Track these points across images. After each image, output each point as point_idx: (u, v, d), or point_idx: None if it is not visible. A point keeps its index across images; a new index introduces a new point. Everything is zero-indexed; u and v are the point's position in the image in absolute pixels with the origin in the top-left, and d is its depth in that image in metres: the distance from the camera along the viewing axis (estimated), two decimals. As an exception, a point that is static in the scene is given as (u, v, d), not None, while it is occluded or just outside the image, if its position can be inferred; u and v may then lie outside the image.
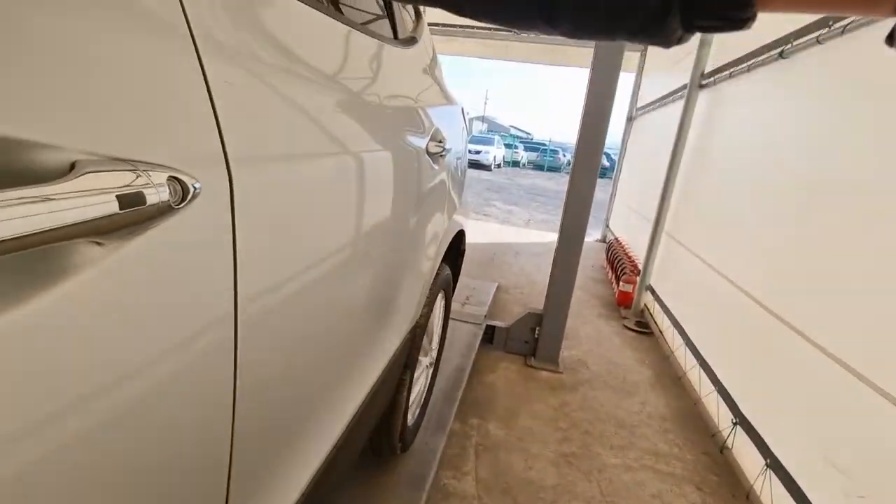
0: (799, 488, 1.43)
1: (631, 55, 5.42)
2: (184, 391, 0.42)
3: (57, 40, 0.29)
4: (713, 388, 2.09)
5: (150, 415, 0.39)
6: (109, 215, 0.30)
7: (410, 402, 1.43)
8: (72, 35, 0.30)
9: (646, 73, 5.42)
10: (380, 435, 1.32)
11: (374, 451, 1.42)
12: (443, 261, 1.50)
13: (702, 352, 2.32)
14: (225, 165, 0.44)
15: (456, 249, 1.75)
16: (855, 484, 1.24)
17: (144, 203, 0.32)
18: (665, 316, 2.90)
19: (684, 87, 3.10)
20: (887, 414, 1.16)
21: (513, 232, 6.10)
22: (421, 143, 1.10)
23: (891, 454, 1.16)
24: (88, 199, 0.28)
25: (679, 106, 3.13)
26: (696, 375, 2.31)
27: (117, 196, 0.30)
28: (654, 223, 3.21)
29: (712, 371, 2.16)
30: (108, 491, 0.36)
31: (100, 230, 0.30)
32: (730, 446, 1.87)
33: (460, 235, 1.72)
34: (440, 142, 1.24)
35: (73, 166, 0.29)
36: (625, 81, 2.81)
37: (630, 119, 5.69)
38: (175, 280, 0.39)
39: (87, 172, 0.29)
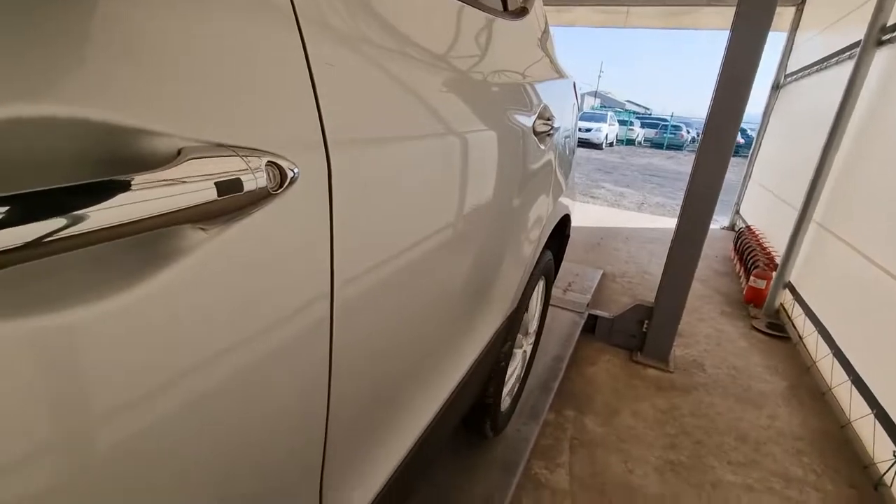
0: None
1: (783, 10, 4.61)
2: (281, 372, 0.44)
3: (162, 29, 0.30)
4: (870, 410, 1.75)
5: (249, 393, 0.41)
6: (210, 202, 0.30)
7: (504, 388, 1.40)
8: (176, 23, 0.31)
9: (801, 31, 4.57)
10: (472, 418, 1.32)
11: (468, 433, 1.42)
12: (545, 246, 1.43)
13: (856, 367, 1.94)
14: (324, 150, 0.43)
15: (560, 234, 1.66)
16: None
17: (242, 189, 0.33)
18: (808, 319, 2.49)
19: (856, 44, 2.54)
20: None
21: (623, 216, 5.68)
22: (527, 121, 1.04)
23: None
24: (191, 185, 0.29)
25: (845, 69, 2.59)
26: (845, 393, 1.95)
27: (215, 183, 0.31)
28: (801, 210, 2.73)
29: (868, 390, 1.80)
30: (210, 464, 0.39)
31: (203, 216, 0.31)
32: (888, 483, 1.55)
33: (565, 220, 1.62)
34: (548, 120, 1.15)
35: (179, 153, 0.29)
36: (772, 43, 2.38)
37: (776, 87, 4.88)
38: (273, 264, 0.40)
39: (191, 158, 0.29)
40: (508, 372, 1.41)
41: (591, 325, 2.44)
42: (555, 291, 2.61)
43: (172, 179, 0.28)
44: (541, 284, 1.56)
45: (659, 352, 2.29)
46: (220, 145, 0.32)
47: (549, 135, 1.19)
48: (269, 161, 0.36)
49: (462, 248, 0.80)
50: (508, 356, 1.27)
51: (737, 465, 1.68)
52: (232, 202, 0.32)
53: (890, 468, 1.55)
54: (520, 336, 1.46)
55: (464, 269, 0.83)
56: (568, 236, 1.76)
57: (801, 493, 1.58)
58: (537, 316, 1.67)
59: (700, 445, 1.76)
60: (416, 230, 0.64)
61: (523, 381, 1.70)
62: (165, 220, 0.28)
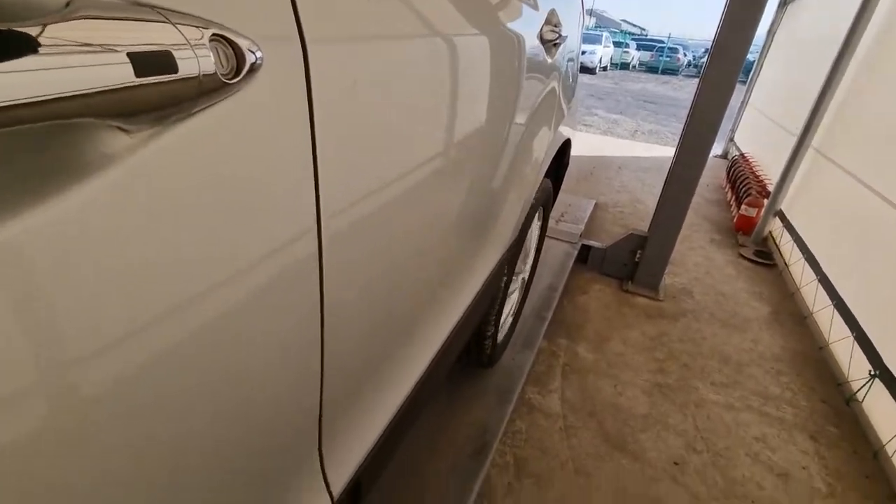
0: (952, 459, 1.22)
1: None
2: (262, 317, 0.38)
3: None
4: (849, 333, 1.81)
5: (231, 330, 0.35)
6: (127, 86, 0.21)
7: (501, 319, 1.40)
8: None
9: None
10: (470, 348, 1.32)
11: (463, 362, 1.44)
12: (545, 174, 1.35)
13: (840, 291, 1.99)
14: (299, 39, 0.34)
15: (559, 161, 1.58)
16: None
17: (175, 71, 0.23)
18: (796, 247, 2.51)
19: (880, -49, 2.33)
20: None
21: (616, 144, 5.54)
22: (534, 27, 0.92)
23: None
24: (89, 56, 0.20)
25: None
26: (826, 317, 2.01)
27: (130, 56, 0.21)
28: (800, 136, 2.66)
29: (851, 314, 1.85)
30: (202, 402, 0.35)
31: (118, 108, 0.22)
32: (860, 399, 1.64)
33: (566, 146, 1.53)
34: (556, 27, 1.03)
35: (67, 5, 0.20)
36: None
37: (783, 3, 4.58)
38: (238, 184, 0.32)
39: (84, 16, 0.20)
40: (507, 302, 1.39)
41: (584, 256, 2.43)
42: (549, 222, 2.57)
43: (55, 43, 0.18)
44: (539, 214, 1.51)
45: (650, 281, 2.31)
46: (136, 2, 0.22)
47: (556, 45, 1.07)
48: (216, 35, 0.25)
49: (463, 171, 0.73)
50: (509, 284, 1.25)
51: (720, 385, 1.76)
52: (163, 90, 0.23)
53: (864, 385, 1.63)
54: (518, 267, 1.43)
55: (464, 196, 0.77)
56: (567, 164, 1.68)
57: (777, 410, 1.66)
58: (534, 246, 1.63)
59: (686, 368, 1.83)
60: (415, 148, 0.56)
61: (519, 310, 1.70)
62: (52, 110, 0.19)
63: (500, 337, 1.50)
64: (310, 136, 0.37)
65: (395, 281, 0.60)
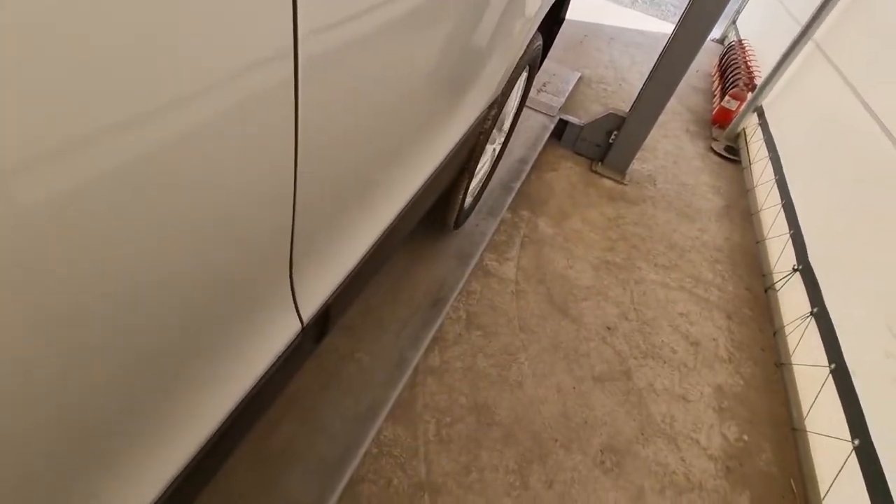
0: (835, 339, 1.43)
1: None
2: (240, 127, 0.34)
3: None
4: (787, 230, 1.95)
5: (202, 150, 0.32)
6: None
7: (473, 182, 1.38)
8: None
9: None
10: (437, 210, 1.32)
11: (429, 223, 1.45)
12: (537, 29, 1.22)
13: (791, 192, 2.08)
14: None
15: (555, 15, 1.42)
16: (902, 351, 1.21)
17: None
18: (764, 146, 2.54)
19: None
20: None
21: (613, 11, 5.06)
22: None
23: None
24: None
25: None
26: (771, 215, 2.14)
27: None
28: (805, 25, 2.51)
29: (794, 213, 1.97)
30: (175, 222, 0.33)
31: None
32: (777, 288, 1.84)
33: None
34: None
35: None
36: None
37: None
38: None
39: None
40: (478, 166, 1.37)
41: (560, 131, 2.37)
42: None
43: None
44: (524, 75, 1.40)
45: (619, 164, 2.32)
46: None
47: None
48: None
49: (450, 12, 0.64)
50: (483, 146, 1.20)
51: (661, 267, 1.90)
52: None
53: (784, 277, 1.82)
54: (494, 131, 1.37)
55: (448, 40, 0.68)
56: (563, 19, 1.52)
57: (705, 292, 1.85)
58: (513, 111, 1.55)
59: (635, 250, 1.95)
60: None
61: (488, 178, 1.68)
62: None
63: (468, 201, 1.50)
64: None
65: (372, 119, 0.56)
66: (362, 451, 0.99)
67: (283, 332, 0.52)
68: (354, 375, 1.10)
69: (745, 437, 1.39)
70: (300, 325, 0.54)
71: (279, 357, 0.52)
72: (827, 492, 1.22)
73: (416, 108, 0.68)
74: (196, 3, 0.28)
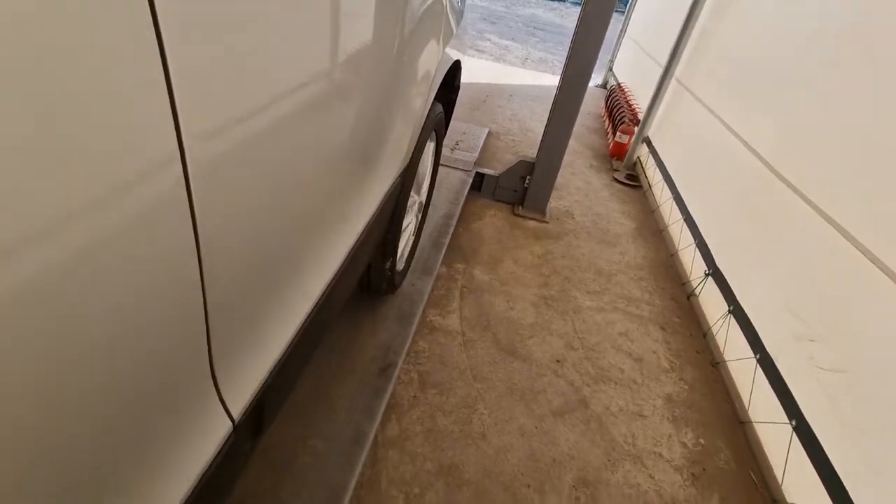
0: (754, 331, 1.57)
1: None
2: (134, 235, 0.35)
3: None
4: (693, 241, 2.15)
5: (99, 258, 0.32)
6: None
7: (399, 246, 1.42)
8: None
9: None
10: (369, 275, 1.33)
11: (365, 290, 1.45)
12: (435, 98, 1.33)
13: (689, 207, 2.33)
14: None
15: (450, 85, 1.56)
16: (807, 329, 1.35)
17: None
18: (658, 170, 2.85)
19: None
20: (864, 274, 1.19)
21: (508, 72, 5.59)
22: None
23: (849, 306, 1.23)
24: None
25: (725, -86, 2.57)
26: (677, 230, 2.36)
27: None
28: (665, 67, 2.92)
29: (695, 225, 2.20)
30: (77, 337, 0.32)
31: None
32: (697, 294, 2.00)
33: (455, 69, 1.51)
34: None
35: None
36: None
37: (658, -67, 4.77)
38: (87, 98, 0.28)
39: None
40: (404, 229, 1.41)
41: (479, 183, 2.51)
42: (444, 150, 2.58)
43: None
44: (432, 140, 1.51)
45: (538, 204, 2.48)
46: None
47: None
48: None
49: (344, 95, 0.69)
50: (403, 211, 1.25)
51: (593, 293, 2.01)
52: None
53: (700, 283, 1.99)
54: (413, 194, 1.43)
55: (347, 122, 0.73)
56: (458, 87, 1.67)
57: (637, 309, 1.97)
58: (429, 173, 1.64)
59: (567, 281, 2.05)
60: (290, 68, 0.52)
61: (417, 237, 1.73)
62: None
63: (401, 265, 1.53)
64: (159, 54, 0.33)
65: (276, 208, 0.57)
66: (329, 547, 0.92)
67: (213, 433, 0.49)
68: (308, 465, 1.04)
69: (702, 441, 1.45)
70: (231, 423, 0.52)
71: (213, 460, 0.49)
72: (783, 475, 1.28)
73: (323, 189, 0.71)
74: (76, 114, 0.29)
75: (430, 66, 1.14)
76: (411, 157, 1.18)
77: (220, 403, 0.50)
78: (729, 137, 2.09)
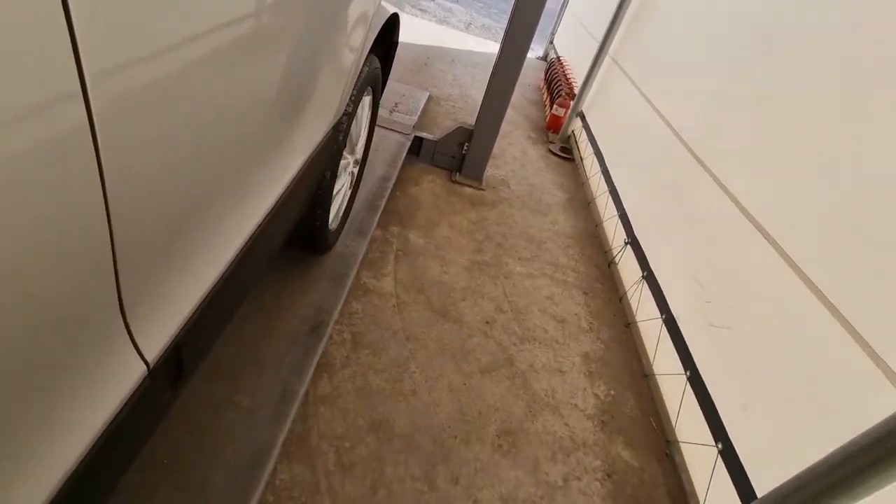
0: (662, 293, 1.73)
1: None
2: (34, 170, 0.32)
3: None
4: (616, 213, 2.30)
5: None
6: None
7: (332, 205, 1.39)
8: None
9: None
10: (301, 236, 1.30)
11: (297, 249, 1.41)
12: (371, 51, 1.29)
13: (614, 180, 2.47)
14: None
15: (387, 40, 1.51)
16: (706, 293, 1.52)
17: None
18: (589, 144, 2.97)
19: None
20: (757, 247, 1.35)
21: (450, 36, 5.49)
22: None
23: (737, 270, 1.40)
24: None
25: None
26: (604, 201, 2.50)
27: None
28: (601, 43, 3.01)
29: (619, 198, 2.34)
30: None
31: None
32: (617, 262, 2.15)
33: (393, 21, 1.46)
34: None
35: None
36: None
37: None
38: None
39: None
40: (337, 188, 1.38)
41: (417, 147, 2.49)
42: (382, 112, 2.51)
43: None
44: (368, 96, 1.46)
45: (475, 172, 2.52)
46: None
47: None
48: None
49: (265, 37, 0.65)
50: (336, 167, 1.22)
51: (524, 259, 2.10)
52: None
53: (620, 252, 2.14)
54: (347, 153, 1.39)
55: (268, 64, 0.69)
56: (396, 44, 1.62)
57: (564, 275, 2.09)
58: (365, 132, 1.60)
59: (500, 247, 2.12)
60: (198, 9, 0.48)
61: (352, 199, 1.70)
62: None
63: (334, 225, 1.50)
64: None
65: (191, 151, 0.54)
66: (254, 502, 0.92)
67: (126, 374, 0.47)
68: (234, 421, 1.02)
69: (612, 392, 1.60)
70: (146, 367, 0.50)
71: (127, 401, 0.47)
72: (676, 420, 1.45)
73: (240, 134, 0.67)
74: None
75: (364, 15, 1.09)
76: (344, 111, 1.14)
77: (132, 345, 0.48)
78: (653, 116, 2.23)
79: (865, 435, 0.65)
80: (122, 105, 0.41)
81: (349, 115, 1.18)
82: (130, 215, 0.45)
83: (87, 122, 0.37)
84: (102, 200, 0.40)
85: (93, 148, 0.38)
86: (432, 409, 1.36)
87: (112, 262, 0.43)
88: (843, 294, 1.05)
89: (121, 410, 0.46)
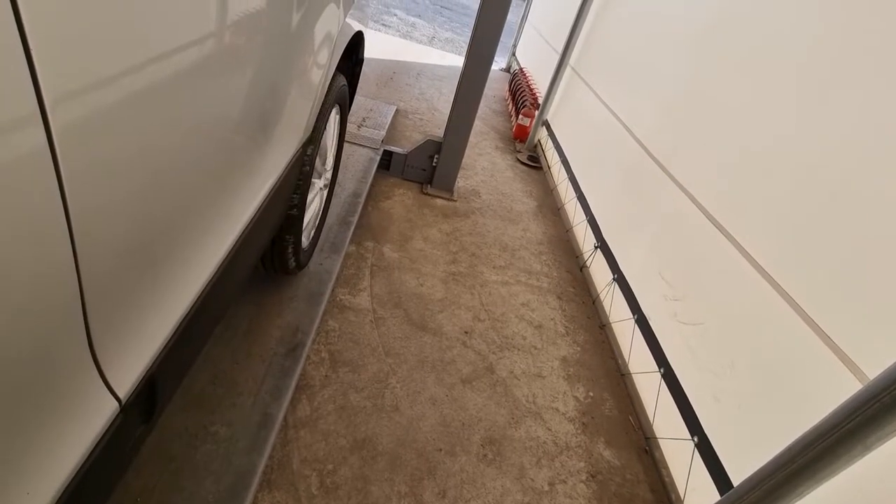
0: (633, 294, 1.78)
1: None
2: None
3: None
4: (584, 218, 2.36)
5: None
6: None
7: (304, 223, 1.38)
8: None
9: None
10: (273, 254, 1.28)
11: (270, 270, 1.39)
12: (338, 69, 1.30)
13: (581, 186, 2.54)
14: None
15: (353, 58, 1.52)
16: (673, 291, 1.57)
17: None
18: (556, 152, 3.05)
19: None
20: (717, 244, 1.41)
21: (415, 50, 5.55)
22: None
23: (702, 269, 1.46)
24: None
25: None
26: (572, 207, 2.56)
27: None
28: (561, 54, 3.11)
29: (587, 203, 2.41)
30: None
31: None
32: (588, 265, 2.21)
33: (358, 39, 1.47)
34: None
35: None
36: None
37: (555, -76, 4.99)
38: None
39: None
40: (308, 205, 1.36)
41: (387, 161, 2.50)
42: (350, 127, 2.51)
43: None
44: (336, 113, 1.46)
45: (446, 183, 2.54)
46: None
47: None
48: None
49: (231, 59, 0.65)
50: (306, 186, 1.21)
51: (499, 268, 2.13)
52: None
53: (590, 256, 2.19)
54: (317, 171, 1.39)
55: (234, 88, 0.69)
56: (362, 61, 1.63)
57: (538, 281, 2.12)
58: (334, 148, 1.60)
59: (474, 257, 2.14)
60: (161, 31, 0.48)
61: (323, 216, 1.69)
62: None
63: (306, 243, 1.49)
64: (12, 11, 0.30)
65: (156, 180, 0.53)
66: (237, 532, 0.90)
67: (97, 412, 0.46)
68: (212, 452, 0.99)
69: (591, 394, 1.62)
70: (118, 403, 0.48)
71: (99, 440, 0.45)
72: (654, 416, 1.49)
73: (207, 158, 0.66)
74: None
75: (328, 34, 1.10)
76: (313, 130, 1.14)
77: (102, 382, 0.46)
78: (613, 122, 2.31)
79: (824, 421, 0.69)
80: (83, 131, 0.40)
81: (318, 132, 1.18)
82: (97, 247, 0.43)
83: (48, 149, 0.36)
84: (68, 234, 0.39)
85: (55, 174, 0.37)
86: (415, 423, 1.35)
87: (80, 298, 0.41)
88: (799, 284, 1.11)
89: (93, 450, 0.45)
